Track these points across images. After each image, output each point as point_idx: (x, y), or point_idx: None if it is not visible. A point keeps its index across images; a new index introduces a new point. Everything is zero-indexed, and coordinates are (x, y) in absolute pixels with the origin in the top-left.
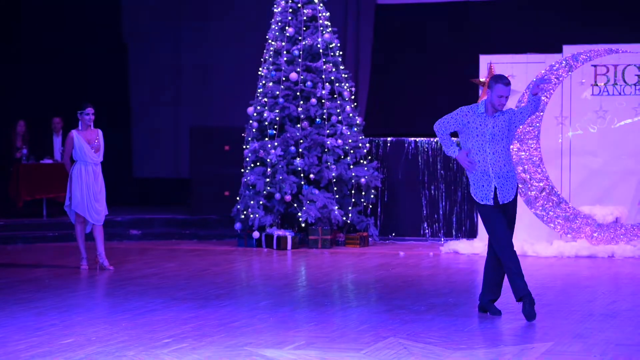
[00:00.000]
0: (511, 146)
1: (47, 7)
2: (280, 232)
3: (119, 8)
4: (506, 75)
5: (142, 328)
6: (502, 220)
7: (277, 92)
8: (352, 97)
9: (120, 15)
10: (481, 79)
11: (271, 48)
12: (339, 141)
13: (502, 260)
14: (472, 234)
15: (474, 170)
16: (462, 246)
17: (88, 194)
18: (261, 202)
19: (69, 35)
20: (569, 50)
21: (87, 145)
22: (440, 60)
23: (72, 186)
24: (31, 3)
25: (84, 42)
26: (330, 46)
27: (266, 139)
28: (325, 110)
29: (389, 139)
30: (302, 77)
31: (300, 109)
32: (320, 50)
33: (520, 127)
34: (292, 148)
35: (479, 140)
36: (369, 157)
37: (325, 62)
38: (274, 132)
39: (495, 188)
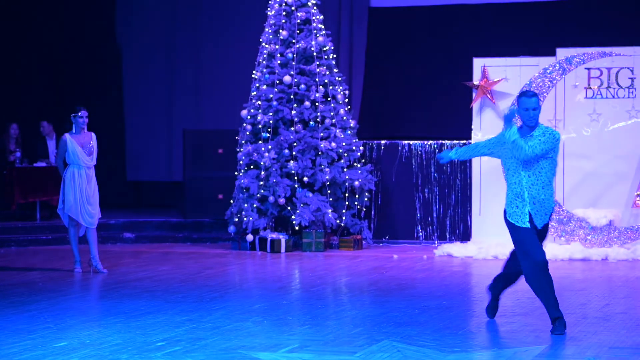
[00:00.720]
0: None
1: (44, 11)
2: (274, 235)
3: (114, 12)
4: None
5: (135, 331)
6: (535, 240)
7: (271, 95)
8: (346, 100)
9: (114, 19)
10: (475, 82)
11: (265, 51)
12: (333, 144)
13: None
14: (465, 237)
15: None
16: (456, 249)
17: (81, 197)
18: (255, 205)
19: (64, 39)
20: (562, 53)
21: (80, 149)
22: (434, 63)
23: (65, 189)
24: (29, 6)
25: (79, 46)
26: (324, 49)
27: (260, 142)
28: (319, 113)
29: (382, 142)
30: (295, 80)
31: (294, 112)
32: (314, 53)
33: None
34: (286, 151)
35: (513, 162)
36: (363, 160)
37: (319, 65)
38: (268, 135)
39: (530, 213)
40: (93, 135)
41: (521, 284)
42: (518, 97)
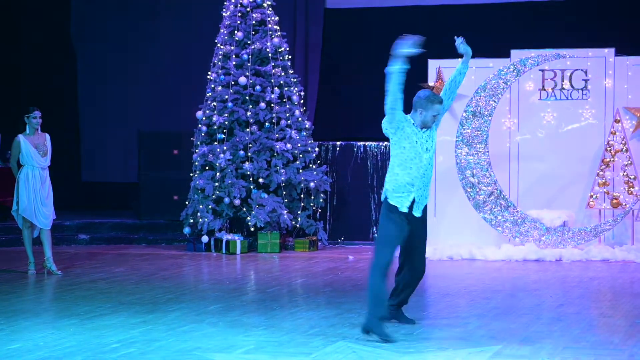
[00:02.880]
0: (460, 150)
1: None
2: (230, 237)
3: (68, 12)
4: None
5: (90, 333)
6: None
7: (226, 96)
8: (301, 101)
9: (69, 20)
10: (430, 83)
11: (220, 52)
12: (288, 145)
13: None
14: None
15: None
16: None
17: (35, 198)
18: (210, 207)
19: (17, 39)
20: (517, 55)
21: (34, 150)
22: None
23: (19, 191)
24: None
25: (32, 46)
26: (280, 50)
27: (215, 143)
28: (274, 115)
29: (338, 143)
30: (251, 81)
31: (249, 113)
32: (270, 55)
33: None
34: (241, 152)
35: (415, 148)
36: (318, 162)
37: (274, 67)
38: (223, 136)
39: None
40: (47, 136)
41: (475, 284)
42: (430, 102)
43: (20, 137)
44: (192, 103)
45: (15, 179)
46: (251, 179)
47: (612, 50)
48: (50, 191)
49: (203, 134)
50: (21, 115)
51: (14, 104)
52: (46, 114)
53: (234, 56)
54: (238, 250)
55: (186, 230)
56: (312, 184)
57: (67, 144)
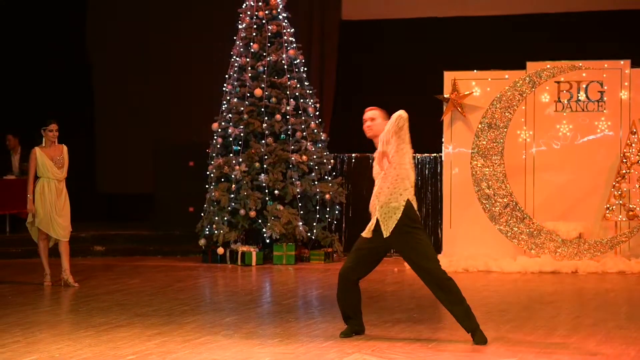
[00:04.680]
0: (475, 162)
1: (10, 22)
2: (245, 248)
3: (84, 24)
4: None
5: (106, 345)
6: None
7: (242, 108)
8: (317, 113)
9: (84, 32)
10: (445, 95)
11: (236, 64)
12: (304, 157)
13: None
14: (436, 250)
15: None
16: None
17: (51, 210)
18: (225, 218)
19: (33, 51)
20: (532, 67)
21: (49, 162)
22: (405, 76)
23: (34, 203)
24: None
25: (48, 58)
26: (295, 62)
27: (231, 154)
28: (289, 126)
29: (353, 154)
30: (266, 93)
31: (264, 124)
32: (285, 66)
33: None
34: (257, 164)
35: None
36: (334, 173)
37: (289, 78)
38: (239, 148)
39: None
40: (64, 147)
41: (491, 296)
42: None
43: (37, 149)
44: (207, 115)
45: (30, 191)
46: (266, 191)
47: (628, 61)
48: (67, 203)
49: (219, 146)
50: (38, 126)
51: (30, 115)
52: (61, 125)
53: (249, 68)
54: (253, 262)
55: (201, 242)
56: (327, 196)
57: (83, 155)
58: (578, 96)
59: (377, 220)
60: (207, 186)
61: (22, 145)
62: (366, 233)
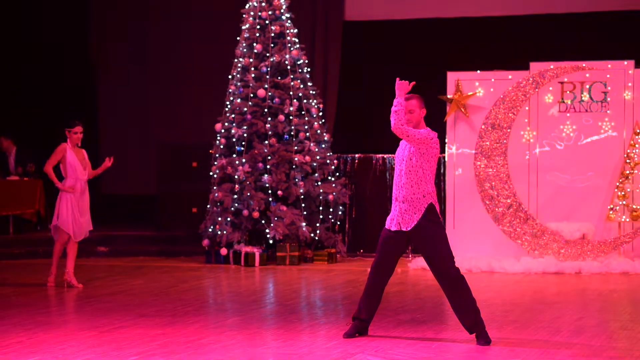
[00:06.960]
0: (479, 163)
1: (9, 22)
2: (248, 249)
3: (86, 28)
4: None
5: (109, 345)
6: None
7: (245, 109)
8: (320, 113)
9: (87, 35)
10: (449, 96)
11: (239, 65)
12: (307, 158)
13: None
14: None
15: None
16: None
17: (74, 210)
18: (229, 219)
19: (33, 52)
20: (536, 67)
21: (78, 163)
22: (408, 77)
23: (60, 203)
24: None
25: (50, 60)
26: (298, 63)
27: (234, 155)
28: (293, 127)
29: (356, 155)
30: (270, 93)
31: (268, 125)
32: (288, 67)
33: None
34: (260, 164)
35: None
36: (337, 174)
37: (293, 79)
38: (242, 148)
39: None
40: (84, 152)
41: (494, 297)
42: None
43: (67, 149)
44: (210, 116)
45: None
46: (270, 192)
47: (632, 62)
48: (88, 203)
49: (222, 147)
50: (42, 126)
51: (34, 116)
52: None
53: (252, 69)
54: (257, 263)
55: (205, 242)
56: (330, 197)
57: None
58: (582, 97)
59: None
60: (210, 187)
61: (18, 146)
62: None
